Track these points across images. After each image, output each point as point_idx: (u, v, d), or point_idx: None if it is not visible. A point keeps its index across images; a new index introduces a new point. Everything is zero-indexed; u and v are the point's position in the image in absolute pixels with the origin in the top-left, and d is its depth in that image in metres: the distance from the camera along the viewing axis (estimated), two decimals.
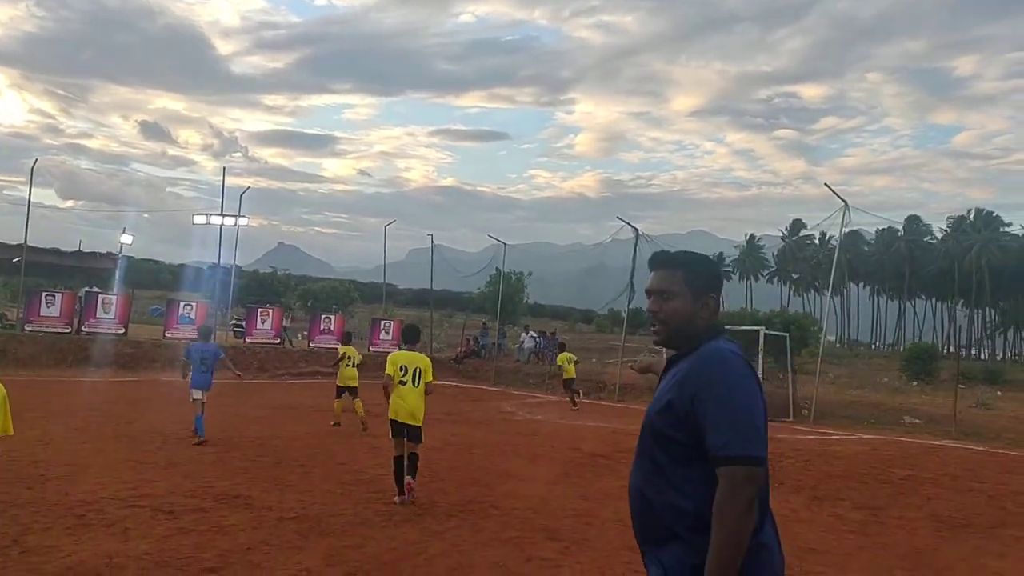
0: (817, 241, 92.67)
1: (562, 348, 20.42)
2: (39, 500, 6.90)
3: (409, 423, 7.61)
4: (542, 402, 20.95)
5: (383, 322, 29.55)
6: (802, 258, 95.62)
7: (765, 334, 18.02)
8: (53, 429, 11.16)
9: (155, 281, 71.75)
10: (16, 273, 26.67)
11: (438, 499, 7.94)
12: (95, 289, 26.09)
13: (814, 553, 6.70)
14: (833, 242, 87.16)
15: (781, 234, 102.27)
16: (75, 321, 22.72)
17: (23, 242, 23.68)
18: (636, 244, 23.28)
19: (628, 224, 23.82)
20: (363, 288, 68.41)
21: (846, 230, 20.17)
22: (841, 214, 19.09)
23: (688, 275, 2.21)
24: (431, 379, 7.83)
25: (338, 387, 13.80)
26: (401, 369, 7.67)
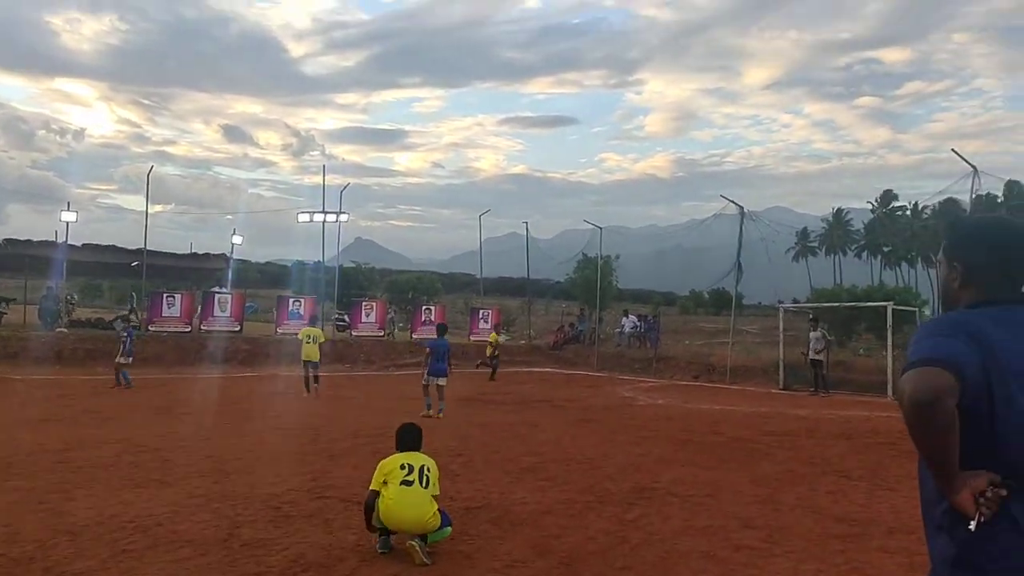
0: (909, 212, 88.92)
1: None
2: (231, 493, 7.06)
3: None
4: (656, 386, 20.62)
5: (480, 311, 29.71)
6: (893, 231, 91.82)
7: (893, 310, 17.20)
8: (209, 423, 11.58)
9: (242, 279, 73.91)
10: (131, 276, 27.83)
11: (609, 486, 7.81)
12: (216, 289, 27.02)
13: None
14: (927, 212, 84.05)
15: (871, 206, 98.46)
16: (194, 320, 23.60)
17: (143, 247, 24.73)
18: (742, 223, 22.62)
19: (732, 202, 23.18)
20: (443, 279, 69.16)
21: (976, 194, 18.95)
22: (971, 180, 18.00)
23: (945, 243, 2.23)
24: None
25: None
26: None
